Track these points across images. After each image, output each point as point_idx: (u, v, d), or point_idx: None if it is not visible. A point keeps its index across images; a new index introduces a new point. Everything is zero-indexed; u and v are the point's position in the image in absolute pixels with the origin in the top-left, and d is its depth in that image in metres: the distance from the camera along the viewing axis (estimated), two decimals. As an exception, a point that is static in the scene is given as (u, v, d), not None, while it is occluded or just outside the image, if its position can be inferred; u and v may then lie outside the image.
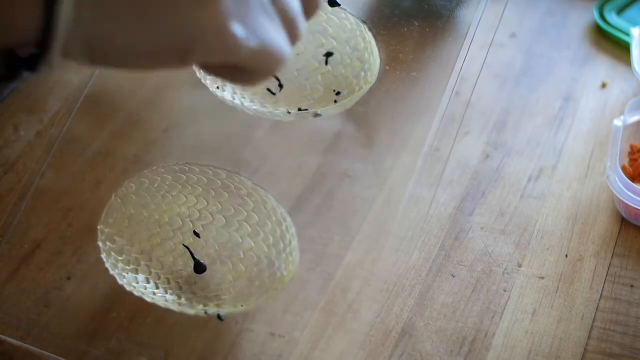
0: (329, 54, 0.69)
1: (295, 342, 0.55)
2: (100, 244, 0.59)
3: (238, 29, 0.42)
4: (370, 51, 0.69)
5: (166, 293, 0.58)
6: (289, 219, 0.61)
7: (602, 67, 0.81)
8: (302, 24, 0.47)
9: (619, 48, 0.82)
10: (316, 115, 0.66)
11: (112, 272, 0.58)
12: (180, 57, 0.42)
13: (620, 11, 0.85)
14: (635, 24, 0.80)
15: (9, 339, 0.56)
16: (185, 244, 0.62)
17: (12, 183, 0.71)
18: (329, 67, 0.69)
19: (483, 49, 0.83)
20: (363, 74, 0.68)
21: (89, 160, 0.66)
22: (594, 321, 0.60)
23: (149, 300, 0.57)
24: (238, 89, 0.67)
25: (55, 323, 0.57)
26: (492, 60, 0.82)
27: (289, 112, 0.65)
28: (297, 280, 0.58)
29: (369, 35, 0.69)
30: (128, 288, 0.57)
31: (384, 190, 0.62)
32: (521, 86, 0.79)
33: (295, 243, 0.60)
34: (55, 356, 0.55)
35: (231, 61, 0.43)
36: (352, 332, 0.55)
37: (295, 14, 0.46)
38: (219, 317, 0.56)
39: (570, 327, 0.60)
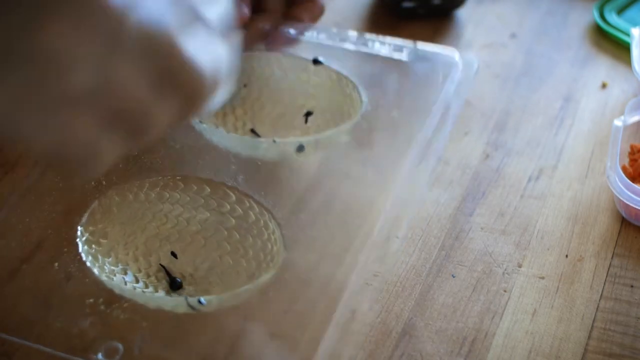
0: (308, 114, 0.71)
1: (295, 342, 0.55)
2: (78, 242, 0.60)
3: None
4: (349, 103, 0.70)
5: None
6: (272, 225, 0.61)
7: (602, 67, 0.81)
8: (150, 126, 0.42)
9: (619, 48, 0.82)
10: (300, 148, 0.67)
11: (88, 264, 0.59)
12: None
13: (620, 11, 0.85)
14: (635, 24, 0.80)
15: (9, 337, 0.56)
16: (162, 264, 0.62)
17: (12, 183, 0.71)
18: (307, 124, 0.70)
19: (483, 49, 0.84)
20: (341, 122, 0.69)
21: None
22: (594, 321, 0.61)
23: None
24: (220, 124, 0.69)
25: (55, 323, 0.56)
26: (492, 60, 0.82)
27: (274, 141, 0.66)
28: (297, 280, 0.58)
29: (350, 88, 0.70)
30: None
31: (384, 190, 0.62)
32: (521, 86, 0.79)
33: (277, 246, 0.60)
34: (59, 353, 0.55)
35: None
36: (352, 332, 0.55)
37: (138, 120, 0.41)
38: (200, 302, 0.57)
39: (570, 327, 0.60)
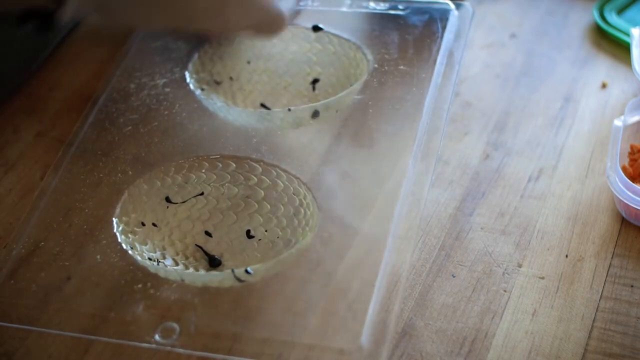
0: (315, 81, 0.72)
1: (295, 342, 0.55)
2: (116, 232, 0.61)
3: (234, 8, 0.55)
4: (355, 65, 0.71)
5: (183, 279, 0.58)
6: (302, 189, 0.62)
7: (602, 67, 0.81)
8: None
9: (619, 48, 0.82)
10: (315, 114, 0.67)
11: (130, 252, 0.59)
12: (183, 26, 0.56)
13: (620, 11, 0.85)
14: (635, 24, 0.80)
15: (68, 334, 0.56)
16: (198, 244, 0.62)
17: (12, 183, 0.71)
18: (316, 92, 0.71)
19: (483, 49, 0.84)
20: (349, 85, 0.69)
21: (89, 160, 0.66)
22: (594, 321, 0.60)
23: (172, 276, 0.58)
24: (230, 101, 0.69)
25: (55, 323, 0.57)
26: (492, 60, 0.82)
27: (289, 110, 0.66)
28: (297, 280, 0.58)
29: (353, 50, 0.71)
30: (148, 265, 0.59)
31: (384, 190, 0.62)
32: (521, 86, 0.79)
33: (311, 210, 0.61)
34: (121, 341, 0.55)
35: (232, 31, 0.57)
36: (352, 332, 0.55)
37: None
38: (247, 271, 0.57)
39: (570, 327, 0.60)
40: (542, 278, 0.63)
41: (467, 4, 0.73)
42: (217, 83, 0.72)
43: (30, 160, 0.73)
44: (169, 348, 0.54)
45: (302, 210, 0.62)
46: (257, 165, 0.64)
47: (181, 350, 0.54)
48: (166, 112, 0.68)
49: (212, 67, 0.73)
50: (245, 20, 0.57)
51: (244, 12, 0.56)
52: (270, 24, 0.59)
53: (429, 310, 0.61)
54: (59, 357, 0.59)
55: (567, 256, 0.65)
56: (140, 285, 0.57)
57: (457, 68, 0.68)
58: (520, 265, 0.64)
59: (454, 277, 0.64)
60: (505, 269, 0.64)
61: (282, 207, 0.63)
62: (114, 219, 0.61)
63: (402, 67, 0.69)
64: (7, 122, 0.77)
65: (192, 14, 0.54)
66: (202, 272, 0.61)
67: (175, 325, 0.55)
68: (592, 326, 0.60)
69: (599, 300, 0.62)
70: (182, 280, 0.58)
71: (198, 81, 0.71)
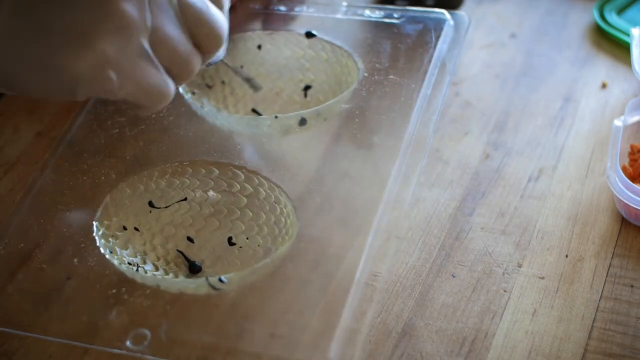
0: (307, 87, 0.72)
1: (295, 342, 0.55)
2: (95, 236, 0.60)
3: (112, 75, 0.52)
4: (347, 72, 0.71)
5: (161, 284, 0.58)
6: (283, 198, 0.62)
7: (602, 67, 0.81)
8: (191, 64, 0.56)
9: (619, 48, 0.82)
10: (302, 121, 0.67)
11: (108, 257, 0.59)
12: (69, 94, 0.53)
13: (620, 11, 0.85)
14: (635, 24, 0.80)
15: (40, 336, 0.56)
16: (179, 249, 0.62)
17: (12, 183, 0.71)
18: (307, 98, 0.71)
19: (483, 49, 0.84)
20: (341, 92, 0.69)
21: (88, 160, 0.66)
22: (594, 321, 0.60)
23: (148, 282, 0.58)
24: (221, 105, 0.70)
25: (55, 323, 0.56)
26: (492, 60, 0.82)
27: (276, 117, 0.66)
28: (297, 280, 0.58)
29: (345, 57, 0.71)
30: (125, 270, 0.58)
31: (384, 190, 0.62)
32: (521, 86, 0.79)
33: (291, 219, 0.61)
34: (93, 347, 0.55)
35: (114, 99, 0.54)
36: (352, 332, 0.55)
37: (182, 57, 0.55)
38: (221, 280, 0.57)
39: (570, 327, 0.60)
40: (542, 278, 0.63)
41: (463, 13, 0.72)
42: (209, 87, 0.72)
43: (30, 160, 0.73)
44: (139, 355, 0.54)
45: (283, 219, 0.62)
46: (240, 173, 0.64)
47: (151, 358, 0.54)
48: (153, 116, 0.68)
49: (203, 71, 0.73)
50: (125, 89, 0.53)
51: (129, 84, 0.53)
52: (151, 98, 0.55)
53: (429, 310, 0.61)
54: (59, 357, 0.59)
55: (567, 256, 0.65)
56: (114, 291, 0.57)
57: (448, 79, 0.67)
58: (520, 265, 0.64)
59: (454, 277, 0.64)
60: (505, 269, 0.64)
61: (263, 215, 0.63)
62: (94, 222, 0.61)
63: (392, 76, 0.68)
64: (7, 122, 0.77)
65: (71, 84, 0.52)
66: (181, 277, 0.61)
67: (147, 332, 0.55)
68: (592, 326, 0.60)
69: (599, 300, 0.62)
70: (158, 286, 0.57)
71: (189, 84, 0.71)
